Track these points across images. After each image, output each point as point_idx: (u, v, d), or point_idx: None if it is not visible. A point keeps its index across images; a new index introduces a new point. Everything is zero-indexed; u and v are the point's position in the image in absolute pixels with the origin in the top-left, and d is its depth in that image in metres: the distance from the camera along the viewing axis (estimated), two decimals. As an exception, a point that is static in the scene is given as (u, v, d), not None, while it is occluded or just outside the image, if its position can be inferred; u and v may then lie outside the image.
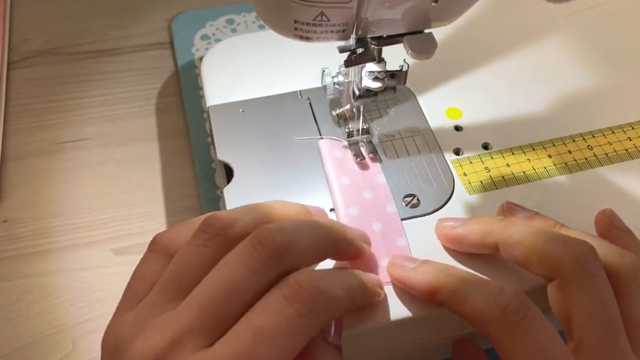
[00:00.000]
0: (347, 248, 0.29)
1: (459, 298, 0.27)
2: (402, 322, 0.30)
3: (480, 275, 0.30)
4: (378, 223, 0.34)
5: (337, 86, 0.36)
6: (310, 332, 0.24)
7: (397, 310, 0.30)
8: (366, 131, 0.38)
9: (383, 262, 0.32)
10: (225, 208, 0.34)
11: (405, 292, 0.31)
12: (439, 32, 0.31)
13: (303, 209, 0.31)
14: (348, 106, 0.36)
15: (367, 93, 0.34)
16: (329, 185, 0.36)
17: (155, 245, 0.29)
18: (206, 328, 0.24)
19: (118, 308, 0.27)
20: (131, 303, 0.27)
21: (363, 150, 0.37)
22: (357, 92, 0.35)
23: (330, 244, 0.28)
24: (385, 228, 0.33)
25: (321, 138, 0.38)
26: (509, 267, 0.31)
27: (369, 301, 0.29)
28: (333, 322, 0.26)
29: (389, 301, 0.31)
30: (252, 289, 0.24)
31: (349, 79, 0.36)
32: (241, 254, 0.25)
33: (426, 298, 0.29)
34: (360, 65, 0.33)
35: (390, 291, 0.31)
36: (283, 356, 0.23)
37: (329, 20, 0.28)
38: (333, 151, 0.37)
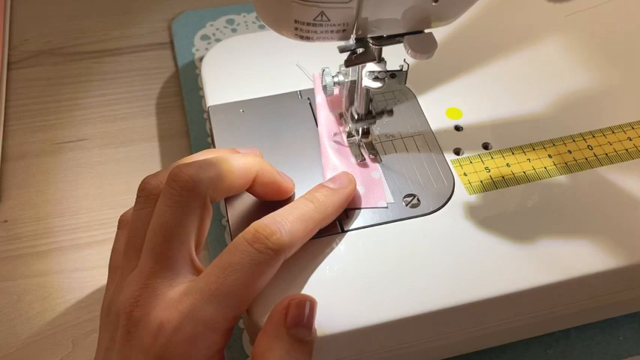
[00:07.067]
0: (261, 178, 0.32)
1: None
2: (402, 322, 0.30)
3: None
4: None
5: (336, 86, 0.36)
6: (271, 263, 0.28)
7: (397, 309, 0.30)
8: (366, 131, 0.38)
9: (358, 190, 0.35)
10: (225, 208, 0.35)
11: (405, 292, 0.31)
12: (439, 32, 0.31)
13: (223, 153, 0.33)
14: (350, 126, 0.37)
15: (367, 116, 0.36)
16: (316, 115, 0.39)
17: (121, 223, 0.33)
18: (164, 267, 0.28)
19: (106, 286, 0.31)
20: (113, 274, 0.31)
21: (363, 150, 0.37)
22: (355, 116, 0.36)
23: (242, 174, 0.31)
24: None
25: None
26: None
27: (334, 211, 0.32)
28: (300, 315, 0.28)
29: (388, 301, 0.31)
30: (183, 223, 0.28)
31: (349, 79, 0.36)
32: (163, 197, 0.29)
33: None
34: (360, 65, 0.33)
35: (389, 290, 0.31)
36: (249, 283, 0.27)
37: (329, 20, 0.28)
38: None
